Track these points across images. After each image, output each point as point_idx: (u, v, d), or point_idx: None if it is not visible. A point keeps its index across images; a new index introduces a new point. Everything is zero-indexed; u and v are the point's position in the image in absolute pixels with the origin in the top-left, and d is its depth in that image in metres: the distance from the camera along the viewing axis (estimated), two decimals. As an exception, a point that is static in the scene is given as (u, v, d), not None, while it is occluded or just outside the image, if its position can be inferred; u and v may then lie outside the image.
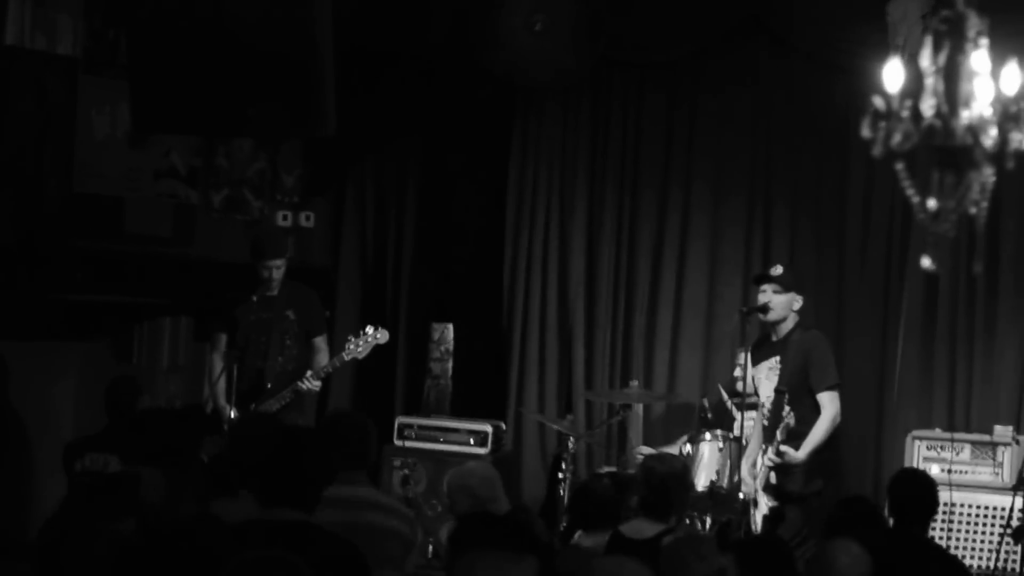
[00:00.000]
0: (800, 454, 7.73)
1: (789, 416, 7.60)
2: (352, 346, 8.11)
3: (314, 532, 4.25)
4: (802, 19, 8.82)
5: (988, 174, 3.40)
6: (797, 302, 8.09)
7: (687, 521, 7.17)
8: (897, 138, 3.32)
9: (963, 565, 6.16)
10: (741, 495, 7.60)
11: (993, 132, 3.35)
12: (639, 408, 9.02)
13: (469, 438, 8.98)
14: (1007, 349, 8.60)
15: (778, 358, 8.02)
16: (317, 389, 8.33)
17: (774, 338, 8.12)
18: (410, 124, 9.87)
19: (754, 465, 7.80)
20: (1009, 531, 7.64)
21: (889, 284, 8.95)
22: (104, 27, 8.35)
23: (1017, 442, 8.18)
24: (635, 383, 9.07)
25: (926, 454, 8.27)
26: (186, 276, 9.01)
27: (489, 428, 9.03)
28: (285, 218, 9.49)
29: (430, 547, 7.24)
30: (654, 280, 9.45)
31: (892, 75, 3.35)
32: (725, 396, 8.43)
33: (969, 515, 8.00)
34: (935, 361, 8.76)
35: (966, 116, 3.35)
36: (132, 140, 8.43)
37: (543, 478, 9.16)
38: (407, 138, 9.98)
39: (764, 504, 7.62)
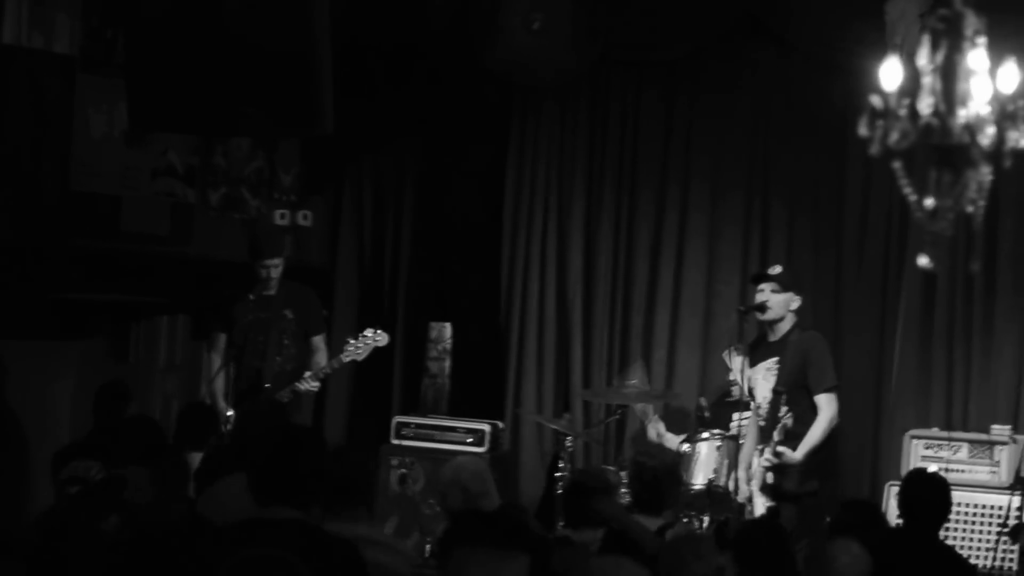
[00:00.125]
0: (797, 455, 7.74)
1: (787, 417, 7.60)
2: (351, 348, 8.10)
3: (311, 531, 4.24)
4: (800, 18, 8.82)
5: (985, 173, 3.40)
6: (795, 301, 8.09)
7: (684, 520, 7.17)
8: (894, 137, 3.32)
9: (973, 568, 6.15)
10: (738, 494, 7.61)
11: (990, 131, 3.35)
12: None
13: (467, 437, 8.98)
14: (1005, 348, 8.61)
15: (776, 358, 8.02)
16: (316, 390, 8.33)
17: (772, 338, 8.12)
18: (408, 123, 9.87)
19: (750, 466, 7.80)
20: (1006, 530, 7.64)
21: (887, 283, 8.95)
22: (102, 26, 8.34)
23: (1014, 441, 8.18)
24: (633, 382, 9.06)
25: (924, 453, 8.27)
26: (183, 275, 9.00)
27: (487, 427, 9.03)
28: (283, 217, 9.48)
29: (427, 546, 7.23)
30: (652, 279, 9.45)
31: (889, 74, 3.35)
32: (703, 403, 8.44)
33: (967, 514, 7.99)
34: (933, 360, 8.76)
35: (963, 115, 3.34)
36: (129, 139, 8.43)
37: (541, 477, 9.16)
38: (405, 137, 9.97)
39: (760, 504, 7.62)
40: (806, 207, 9.20)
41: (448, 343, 9.50)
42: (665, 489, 6.25)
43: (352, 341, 8.12)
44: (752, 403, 7.93)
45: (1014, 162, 3.44)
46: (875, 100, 3.34)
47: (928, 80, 3.32)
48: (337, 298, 9.92)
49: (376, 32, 9.16)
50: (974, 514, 8.01)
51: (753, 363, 8.02)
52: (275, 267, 8.16)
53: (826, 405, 7.90)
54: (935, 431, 8.43)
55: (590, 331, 9.53)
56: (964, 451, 8.25)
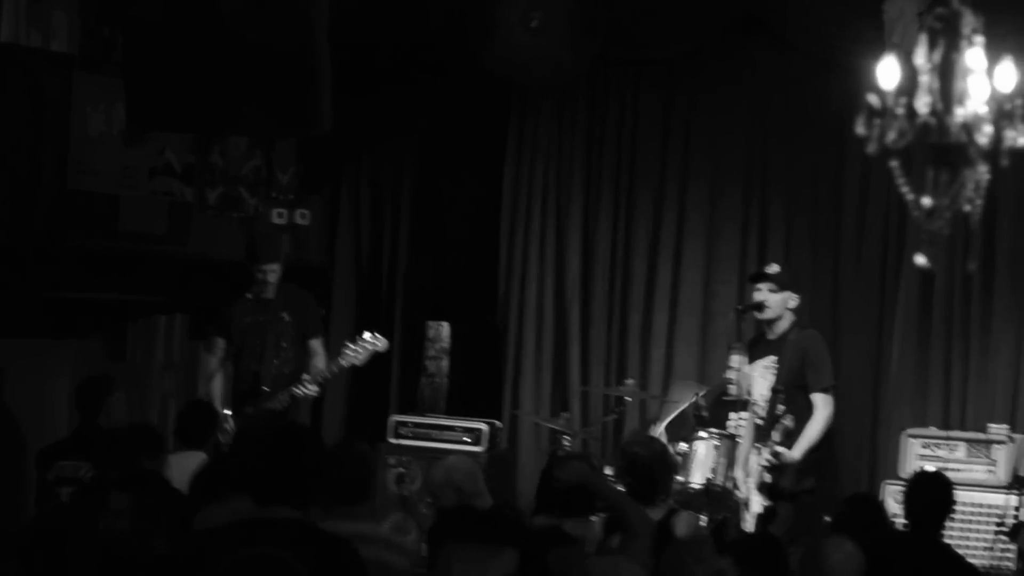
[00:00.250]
0: (795, 454, 7.74)
1: (788, 419, 7.59)
2: (350, 352, 8.07)
3: (309, 531, 4.23)
4: (798, 16, 8.82)
5: (983, 172, 3.40)
6: (793, 301, 8.09)
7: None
8: (892, 135, 3.32)
9: (976, 570, 6.14)
10: (736, 493, 7.61)
11: (988, 130, 3.35)
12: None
13: (464, 436, 8.98)
14: (1002, 347, 8.61)
15: (774, 357, 8.02)
16: (315, 394, 8.29)
17: (770, 337, 8.11)
18: (406, 122, 9.87)
19: (747, 463, 7.79)
20: (1005, 529, 7.65)
21: (885, 282, 8.96)
22: (99, 24, 8.33)
23: (1012, 440, 8.18)
24: (631, 381, 9.06)
25: (921, 452, 8.28)
26: (181, 274, 9.00)
27: (484, 426, 9.03)
28: (280, 216, 9.47)
29: (423, 545, 7.23)
30: (650, 278, 9.46)
31: (887, 72, 3.35)
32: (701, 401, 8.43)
33: (964, 513, 7.99)
34: (930, 359, 8.77)
35: (961, 114, 3.34)
36: (127, 137, 8.41)
37: (538, 476, 9.15)
38: (403, 136, 9.97)
39: (757, 503, 7.62)
40: (804, 206, 9.21)
41: (446, 342, 9.50)
42: (658, 478, 6.26)
43: (351, 345, 8.08)
44: (750, 402, 7.92)
45: (1011, 161, 3.44)
46: (873, 99, 3.34)
47: (926, 79, 3.32)
48: (335, 297, 9.92)
49: (374, 31, 9.15)
50: (972, 513, 8.01)
51: (751, 361, 8.01)
52: (272, 272, 8.14)
53: (822, 405, 7.89)
54: (932, 430, 8.44)
55: (588, 330, 9.54)
56: (961, 450, 8.25)
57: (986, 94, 3.36)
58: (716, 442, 7.95)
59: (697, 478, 7.88)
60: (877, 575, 5.01)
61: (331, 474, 5.17)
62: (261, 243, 8.36)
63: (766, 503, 7.58)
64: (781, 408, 7.77)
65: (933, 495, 5.86)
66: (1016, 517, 7.68)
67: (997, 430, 8.24)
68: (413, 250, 9.98)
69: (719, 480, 7.83)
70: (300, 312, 8.27)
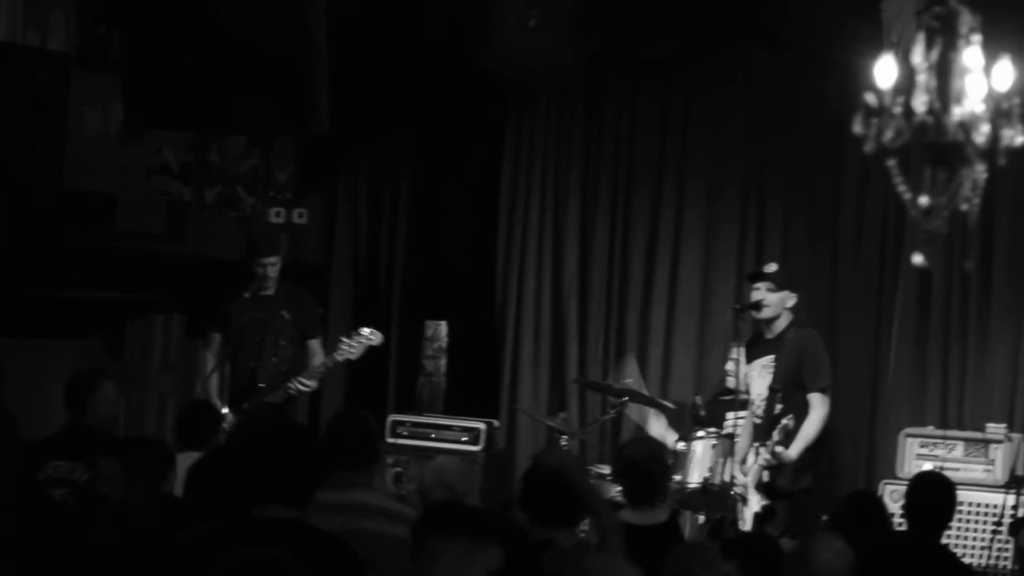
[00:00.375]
0: (792, 453, 7.73)
1: (788, 418, 7.59)
2: (345, 347, 8.08)
3: (307, 530, 4.23)
4: (795, 15, 8.82)
5: (980, 171, 3.40)
6: (791, 300, 8.09)
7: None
8: (889, 135, 3.31)
9: (972, 571, 6.13)
10: (733, 492, 7.61)
11: (985, 129, 3.35)
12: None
13: (462, 435, 8.98)
14: (1000, 346, 8.61)
15: (772, 356, 8.02)
16: (310, 389, 8.29)
17: (768, 336, 8.11)
18: (403, 121, 9.87)
19: (744, 462, 7.80)
20: (1003, 527, 7.64)
21: (882, 281, 8.96)
22: (96, 23, 8.33)
23: (1010, 439, 8.18)
24: (628, 381, 9.06)
25: (919, 451, 8.28)
26: (178, 273, 9.00)
27: (482, 426, 9.03)
28: (278, 215, 9.47)
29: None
30: (647, 277, 9.46)
31: (884, 71, 3.35)
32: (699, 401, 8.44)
33: (962, 513, 7.99)
34: (928, 358, 8.77)
35: (958, 113, 3.34)
36: (124, 136, 8.42)
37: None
38: (401, 135, 9.97)
39: (755, 502, 7.62)
40: (802, 205, 9.21)
41: (444, 341, 9.50)
42: (658, 479, 6.26)
43: (346, 340, 8.10)
44: (748, 400, 7.92)
45: (1009, 160, 3.44)
46: (870, 98, 3.33)
47: (923, 78, 3.32)
48: (333, 296, 9.91)
49: (372, 30, 9.15)
50: (969, 512, 8.01)
51: (749, 360, 8.01)
52: (272, 265, 8.14)
53: (819, 404, 7.89)
54: (930, 429, 8.44)
55: (586, 329, 9.54)
56: (959, 449, 8.25)
57: (983, 93, 3.35)
58: (714, 441, 7.95)
59: (695, 477, 7.88)
60: (871, 575, 5.00)
61: (331, 440, 5.17)
62: (260, 237, 8.36)
63: (764, 502, 7.58)
64: (779, 407, 7.77)
65: (935, 496, 5.84)
66: (1014, 516, 7.68)
67: (995, 429, 8.24)
68: (411, 249, 9.98)
69: (717, 479, 7.83)
70: (300, 311, 8.27)
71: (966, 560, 7.79)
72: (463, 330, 9.65)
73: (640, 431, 8.79)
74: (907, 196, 3.39)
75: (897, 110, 3.32)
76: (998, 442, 8.18)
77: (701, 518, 7.63)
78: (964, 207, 3.43)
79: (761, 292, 8.05)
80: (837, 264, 9.07)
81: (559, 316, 9.60)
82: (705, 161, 9.38)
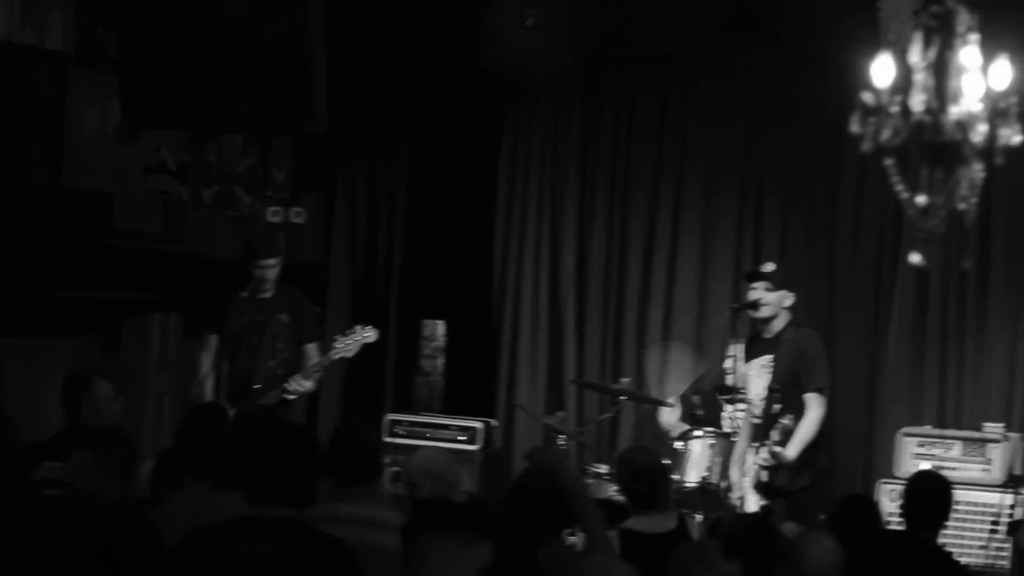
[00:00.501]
0: (790, 453, 7.74)
1: (787, 418, 7.59)
2: (340, 345, 8.06)
3: (304, 529, 4.23)
4: (793, 14, 8.82)
5: (977, 170, 3.40)
6: (788, 299, 8.09)
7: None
8: (887, 134, 3.32)
9: (967, 571, 6.13)
10: (731, 492, 7.61)
11: (982, 128, 3.35)
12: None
13: (459, 435, 8.98)
14: (997, 345, 8.61)
15: (770, 356, 8.02)
16: (306, 390, 8.26)
17: (766, 335, 8.11)
18: (401, 120, 9.86)
19: (742, 462, 7.80)
20: (1001, 527, 7.64)
21: (880, 280, 8.96)
22: (94, 22, 8.32)
23: (1007, 439, 8.18)
24: (626, 380, 9.06)
25: (916, 451, 8.28)
26: (176, 272, 8.99)
27: (479, 425, 9.03)
28: (275, 214, 9.46)
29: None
30: (645, 276, 9.46)
31: (882, 70, 3.35)
32: (696, 399, 8.43)
33: (959, 512, 8.00)
34: (926, 357, 8.77)
35: (956, 112, 3.34)
36: (122, 135, 8.41)
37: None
38: (398, 134, 9.97)
39: (753, 501, 7.62)
40: (799, 204, 9.21)
41: (441, 341, 9.49)
42: (661, 484, 6.26)
43: (340, 338, 8.08)
44: (746, 399, 7.92)
45: (1006, 159, 3.44)
46: (867, 97, 3.33)
47: (920, 77, 3.32)
48: (330, 295, 9.91)
49: (370, 29, 9.14)
50: (967, 512, 8.01)
51: (747, 359, 8.01)
52: (271, 267, 8.12)
53: (816, 405, 7.89)
54: (928, 429, 8.44)
55: (583, 328, 9.54)
56: (957, 449, 8.25)
57: (981, 92, 3.35)
58: (711, 441, 7.95)
59: (692, 477, 7.88)
60: (864, 574, 5.00)
61: (336, 456, 5.16)
62: (259, 239, 8.34)
63: (762, 502, 7.58)
64: (777, 407, 7.77)
65: (931, 496, 5.85)
66: (1012, 515, 7.68)
67: (992, 429, 8.24)
68: (408, 248, 9.98)
69: (714, 479, 7.83)
70: (298, 315, 8.25)
71: (964, 560, 7.80)
72: (461, 329, 9.65)
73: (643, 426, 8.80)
74: (905, 195, 3.40)
75: (895, 109, 3.32)
76: (996, 441, 8.19)
77: (699, 518, 7.63)
78: (961, 206, 3.43)
79: (759, 292, 8.05)
80: (834, 263, 9.07)
81: (556, 315, 9.60)
82: (703, 160, 9.38)
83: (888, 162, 3.37)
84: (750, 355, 8.04)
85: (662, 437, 8.60)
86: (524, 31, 8.93)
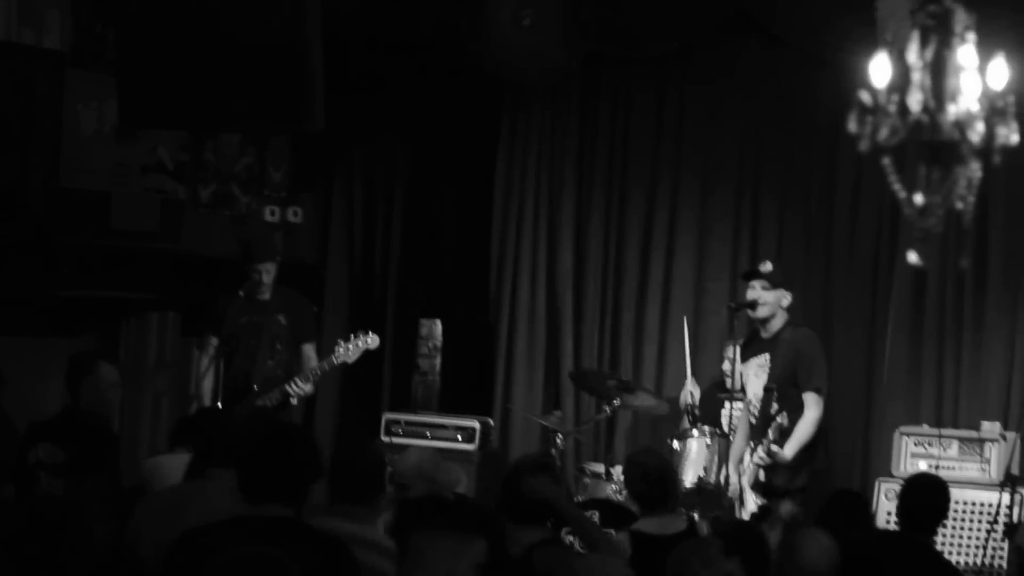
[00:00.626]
0: (787, 453, 7.73)
1: (783, 417, 7.58)
2: (341, 350, 8.07)
3: (301, 528, 4.23)
4: (789, 13, 8.82)
5: (975, 169, 3.40)
6: (786, 298, 8.07)
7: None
8: (884, 133, 3.31)
9: (958, 572, 6.13)
10: (729, 491, 7.61)
11: (980, 127, 3.34)
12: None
13: (457, 434, 8.98)
14: (995, 344, 8.61)
15: (768, 355, 8.01)
16: (306, 392, 8.26)
17: (764, 335, 8.10)
18: (398, 119, 9.86)
19: (740, 461, 7.79)
20: (999, 528, 7.64)
21: (877, 279, 8.96)
22: (92, 22, 8.33)
23: (1004, 438, 8.18)
24: (624, 379, 9.05)
25: (914, 450, 8.28)
26: (173, 271, 8.99)
27: (477, 424, 9.03)
28: (273, 213, 9.46)
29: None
30: (642, 275, 9.46)
31: (879, 70, 3.35)
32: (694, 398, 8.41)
33: (957, 511, 8.00)
34: (923, 356, 8.77)
35: (953, 111, 3.34)
36: (119, 135, 8.42)
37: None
38: (395, 134, 9.97)
39: (751, 501, 7.62)
40: (796, 203, 9.21)
41: (438, 340, 9.50)
42: (671, 485, 6.26)
43: (343, 343, 8.09)
44: (743, 398, 7.92)
45: (1004, 158, 3.44)
46: (865, 96, 3.33)
47: (918, 76, 3.32)
48: (327, 295, 9.92)
49: (367, 29, 9.15)
50: (964, 511, 8.01)
51: (745, 359, 8.01)
52: (268, 272, 8.12)
53: (813, 405, 7.87)
54: (925, 428, 8.44)
55: (580, 328, 9.54)
56: (954, 448, 8.25)
57: (978, 91, 3.35)
58: (708, 440, 7.95)
59: (689, 477, 7.88)
60: (856, 573, 5.00)
61: (340, 471, 5.15)
62: (256, 241, 8.34)
63: (760, 501, 7.58)
64: (775, 406, 7.76)
65: (927, 498, 5.85)
66: (1009, 515, 7.67)
67: (990, 428, 8.24)
68: (405, 247, 9.98)
69: (711, 478, 7.83)
70: (296, 316, 8.25)
71: (961, 559, 7.81)
72: (458, 329, 9.66)
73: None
74: (902, 194, 3.39)
75: (892, 108, 3.32)
76: (993, 441, 8.19)
77: (695, 517, 7.62)
78: (959, 205, 3.42)
79: (756, 291, 8.03)
80: (831, 262, 9.07)
81: (554, 314, 9.60)
82: (699, 159, 9.38)
83: (885, 161, 3.37)
84: (748, 354, 8.03)
85: (659, 437, 8.60)
86: (521, 31, 8.93)
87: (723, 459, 7.76)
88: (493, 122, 9.77)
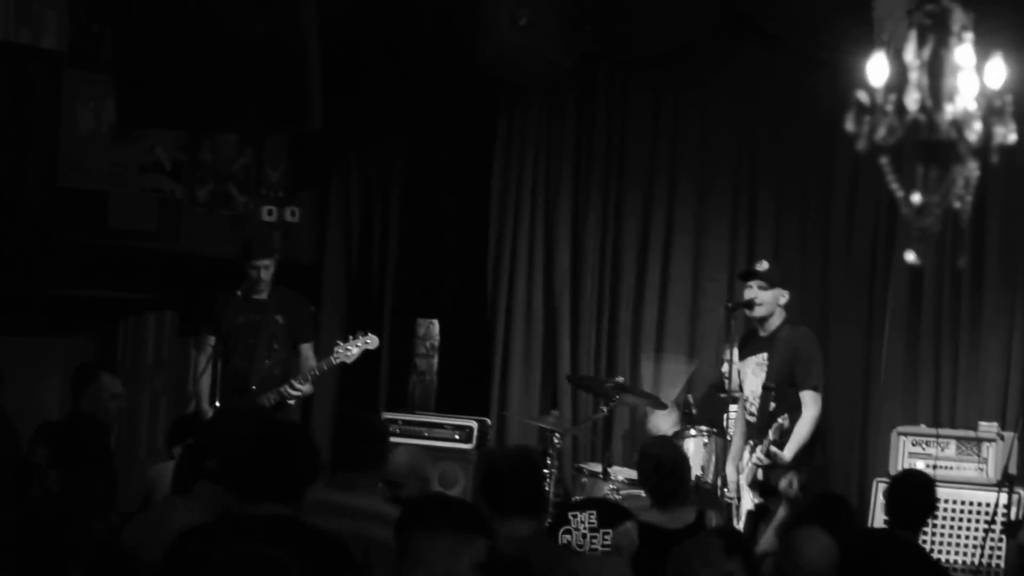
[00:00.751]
0: (786, 453, 7.73)
1: (783, 417, 7.59)
2: (341, 350, 8.06)
3: (298, 527, 4.23)
4: (787, 13, 8.83)
5: (972, 168, 3.40)
6: (783, 297, 8.08)
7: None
8: (881, 132, 3.31)
9: (945, 571, 6.15)
10: (726, 491, 7.61)
11: (977, 126, 3.35)
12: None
13: (454, 434, 8.98)
14: (992, 344, 8.62)
15: (766, 354, 8.01)
16: (305, 392, 8.26)
17: (762, 334, 8.10)
18: (395, 119, 9.86)
19: (738, 460, 7.80)
20: (997, 527, 7.64)
21: (874, 278, 8.96)
22: (89, 21, 8.32)
23: (1002, 438, 8.19)
24: (621, 379, 9.06)
25: (911, 450, 8.28)
26: (171, 271, 8.99)
27: (474, 424, 9.03)
28: (270, 213, 9.46)
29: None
30: (639, 275, 9.47)
31: (876, 69, 3.35)
32: (691, 399, 8.42)
33: (954, 511, 8.00)
34: (920, 356, 8.77)
35: (950, 110, 3.34)
36: (117, 134, 8.41)
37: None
38: (392, 133, 9.97)
39: (749, 500, 7.62)
40: (793, 202, 9.22)
41: (436, 340, 9.50)
42: (686, 477, 6.26)
43: (342, 343, 8.08)
44: (740, 398, 7.92)
45: (1001, 158, 3.44)
46: (862, 95, 3.33)
47: (915, 75, 3.32)
48: (325, 295, 9.91)
49: (364, 29, 9.15)
50: (962, 511, 8.02)
51: (743, 357, 8.01)
52: (265, 268, 8.11)
53: (811, 403, 7.87)
54: (922, 428, 8.44)
55: (577, 327, 9.54)
56: (952, 448, 8.26)
57: (976, 91, 3.35)
58: (706, 439, 7.95)
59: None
60: (847, 571, 5.00)
61: (340, 440, 5.15)
62: (254, 239, 8.34)
63: (757, 500, 7.58)
64: (773, 405, 7.76)
65: (914, 495, 5.87)
66: (1007, 515, 7.68)
67: (987, 428, 8.24)
68: (403, 247, 9.98)
69: (708, 477, 7.83)
70: (294, 316, 8.24)
71: (958, 559, 7.82)
72: (455, 328, 9.65)
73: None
74: (899, 194, 3.39)
75: (889, 108, 3.32)
76: (990, 440, 8.19)
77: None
78: (956, 205, 3.43)
79: (754, 290, 8.04)
80: (829, 261, 9.08)
81: (551, 314, 9.60)
82: (696, 158, 9.39)
83: (883, 161, 3.37)
84: (745, 353, 8.03)
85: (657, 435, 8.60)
86: (518, 30, 8.94)
87: (720, 458, 7.77)
88: (490, 122, 9.77)
